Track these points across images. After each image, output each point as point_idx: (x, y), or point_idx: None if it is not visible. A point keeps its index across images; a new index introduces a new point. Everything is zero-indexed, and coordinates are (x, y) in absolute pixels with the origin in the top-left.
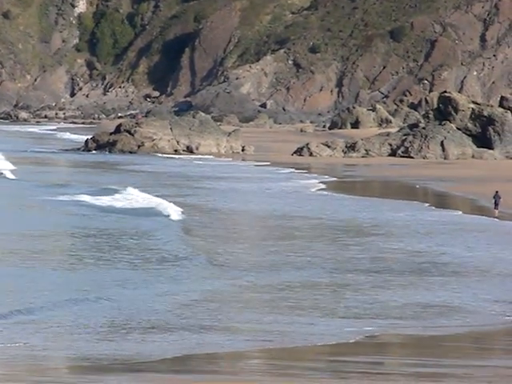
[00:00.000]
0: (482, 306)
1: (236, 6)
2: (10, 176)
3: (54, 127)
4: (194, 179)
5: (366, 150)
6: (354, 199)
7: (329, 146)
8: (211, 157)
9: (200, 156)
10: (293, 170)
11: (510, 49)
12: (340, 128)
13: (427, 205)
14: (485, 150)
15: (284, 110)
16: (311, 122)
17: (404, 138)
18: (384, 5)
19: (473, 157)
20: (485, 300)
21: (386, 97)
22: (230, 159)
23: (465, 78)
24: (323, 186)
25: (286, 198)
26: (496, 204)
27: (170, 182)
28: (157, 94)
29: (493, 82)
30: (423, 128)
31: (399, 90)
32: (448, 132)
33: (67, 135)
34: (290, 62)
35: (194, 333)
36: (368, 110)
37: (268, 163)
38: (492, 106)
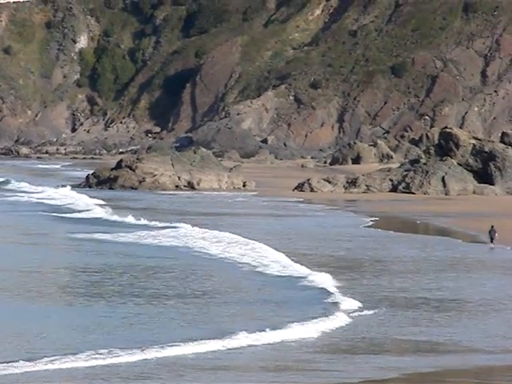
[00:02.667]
0: None
1: (237, 41)
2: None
3: (56, 163)
4: (257, 217)
5: (367, 186)
6: (405, 236)
7: (330, 182)
8: (224, 192)
9: (210, 192)
10: (324, 206)
11: (510, 84)
12: (341, 164)
13: (459, 241)
14: (486, 185)
15: (285, 145)
16: (312, 158)
17: (405, 173)
18: (385, 40)
19: (474, 192)
20: None
21: (387, 132)
22: (244, 194)
23: (466, 113)
24: (371, 223)
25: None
26: (492, 239)
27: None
28: (158, 129)
29: (494, 118)
30: (424, 164)
31: (400, 126)
32: (449, 168)
33: (68, 170)
34: (291, 97)
35: None
36: (369, 145)
37: (300, 199)
38: (493, 142)
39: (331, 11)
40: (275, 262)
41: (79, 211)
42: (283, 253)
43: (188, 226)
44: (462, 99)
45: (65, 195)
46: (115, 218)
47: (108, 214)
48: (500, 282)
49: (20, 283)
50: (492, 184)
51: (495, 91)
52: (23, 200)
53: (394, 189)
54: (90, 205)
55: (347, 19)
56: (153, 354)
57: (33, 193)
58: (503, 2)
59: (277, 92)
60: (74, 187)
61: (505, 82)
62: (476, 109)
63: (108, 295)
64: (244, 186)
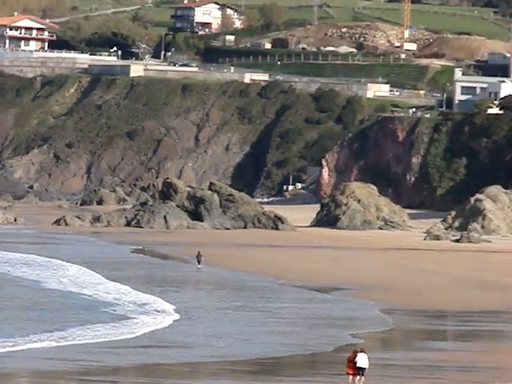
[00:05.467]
0: None
1: (11, 111)
2: None
3: None
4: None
5: (107, 221)
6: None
7: (80, 218)
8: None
9: None
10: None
11: (216, 146)
12: (89, 205)
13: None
14: (197, 222)
15: (46, 190)
16: (67, 200)
17: (136, 212)
18: (123, 112)
19: (188, 227)
20: None
21: (124, 181)
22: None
23: (183, 168)
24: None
25: None
26: (198, 261)
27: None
28: None
29: (204, 171)
30: (151, 205)
31: (133, 177)
32: (169, 208)
33: None
34: (52, 154)
35: None
36: (110, 191)
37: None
38: (203, 189)
39: (83, 90)
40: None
41: None
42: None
43: None
44: (180, 157)
45: None
46: None
47: None
48: (199, 293)
49: None
50: (202, 221)
51: (205, 151)
52: None
53: (128, 224)
54: None
55: (94, 96)
56: None
57: None
58: (212, 84)
59: (41, 150)
60: None
61: (212, 144)
62: (190, 164)
63: None
64: (15, 220)
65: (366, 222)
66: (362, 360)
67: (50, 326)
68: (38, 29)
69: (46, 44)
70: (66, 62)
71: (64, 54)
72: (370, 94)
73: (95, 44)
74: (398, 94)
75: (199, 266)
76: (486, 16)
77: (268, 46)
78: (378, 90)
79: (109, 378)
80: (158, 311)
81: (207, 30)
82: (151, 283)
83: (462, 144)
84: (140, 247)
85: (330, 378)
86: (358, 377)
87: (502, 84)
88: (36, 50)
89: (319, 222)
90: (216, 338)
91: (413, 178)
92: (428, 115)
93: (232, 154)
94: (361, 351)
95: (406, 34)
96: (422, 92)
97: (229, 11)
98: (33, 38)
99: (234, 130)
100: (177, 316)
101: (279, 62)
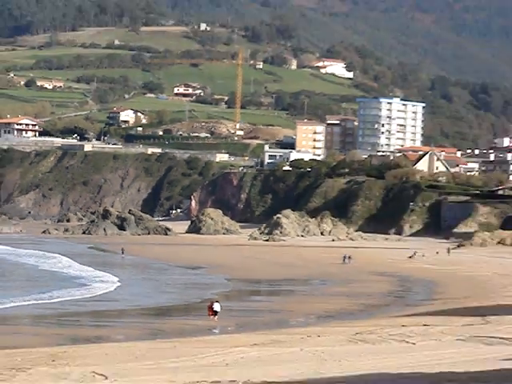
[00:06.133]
0: None
1: (17, 171)
2: None
3: None
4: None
5: (73, 231)
6: None
7: (57, 230)
8: None
9: None
10: None
11: (132, 189)
12: (62, 222)
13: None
14: (122, 231)
15: (38, 214)
16: (50, 220)
17: (88, 226)
18: (80, 171)
19: (117, 234)
20: None
21: (81, 209)
22: None
23: (114, 201)
24: None
25: None
26: (122, 252)
27: None
28: None
29: (126, 203)
30: (96, 222)
31: (86, 206)
32: (107, 224)
33: None
34: (41, 194)
35: None
36: (73, 214)
37: None
38: (125, 213)
39: (58, 158)
40: None
41: None
42: None
43: None
44: (112, 195)
45: None
46: None
47: None
48: (126, 271)
49: None
50: (125, 230)
51: (126, 192)
52: None
53: (84, 232)
54: None
55: (64, 162)
56: None
57: None
58: (129, 155)
59: (34, 192)
60: None
61: (130, 188)
62: (118, 199)
63: None
64: (20, 231)
65: (216, 230)
66: (217, 306)
67: (39, 289)
68: (32, 124)
69: (37, 133)
70: (48, 143)
71: (47, 139)
72: (217, 159)
73: (65, 133)
74: (233, 159)
75: (123, 256)
76: (282, 115)
77: (161, 132)
78: (222, 157)
79: (74, 318)
80: (106, 281)
81: (127, 124)
82: (100, 265)
83: (269, 187)
84: (92, 245)
85: (199, 317)
86: (214, 316)
87: (291, 153)
88: (31, 136)
89: (190, 231)
90: (136, 295)
91: (242, 206)
92: (250, 171)
93: (141, 193)
94: (216, 301)
95: (238, 125)
96: (247, 158)
97: (139, 114)
98: (29, 130)
99: (142, 180)
100: (118, 284)
101: (167, 142)
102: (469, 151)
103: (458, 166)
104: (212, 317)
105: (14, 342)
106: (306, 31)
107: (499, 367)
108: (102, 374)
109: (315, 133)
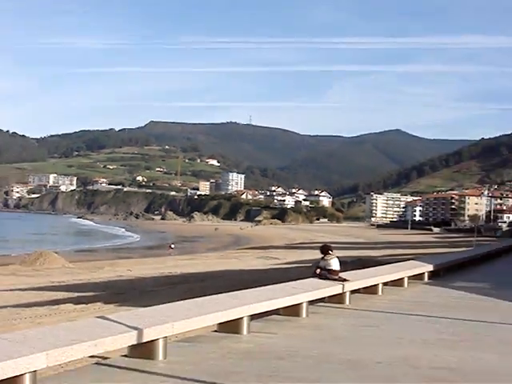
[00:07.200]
0: None
1: None
2: None
3: None
4: None
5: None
6: None
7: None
8: None
9: None
10: None
11: None
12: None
13: None
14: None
15: None
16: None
17: None
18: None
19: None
20: None
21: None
22: None
23: None
24: None
25: None
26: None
27: None
28: None
29: None
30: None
31: None
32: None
33: None
34: None
35: None
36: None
37: None
38: None
39: None
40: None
41: None
42: None
43: None
44: None
45: None
46: None
47: None
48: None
49: None
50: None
51: None
52: None
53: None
54: None
55: None
56: None
57: None
58: None
59: None
60: None
61: None
62: None
63: None
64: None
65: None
66: (172, 246)
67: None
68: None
69: None
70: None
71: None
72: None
73: None
74: None
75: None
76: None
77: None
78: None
79: (120, 248)
80: (133, 237)
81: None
82: (131, 231)
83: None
84: (127, 225)
85: (164, 249)
86: (171, 249)
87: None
88: None
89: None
90: (144, 242)
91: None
92: None
93: None
94: (172, 243)
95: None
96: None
97: None
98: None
99: None
100: (138, 239)
101: None
102: None
103: None
104: (169, 249)
105: (99, 257)
106: None
107: (268, 268)
108: (129, 270)
109: None
